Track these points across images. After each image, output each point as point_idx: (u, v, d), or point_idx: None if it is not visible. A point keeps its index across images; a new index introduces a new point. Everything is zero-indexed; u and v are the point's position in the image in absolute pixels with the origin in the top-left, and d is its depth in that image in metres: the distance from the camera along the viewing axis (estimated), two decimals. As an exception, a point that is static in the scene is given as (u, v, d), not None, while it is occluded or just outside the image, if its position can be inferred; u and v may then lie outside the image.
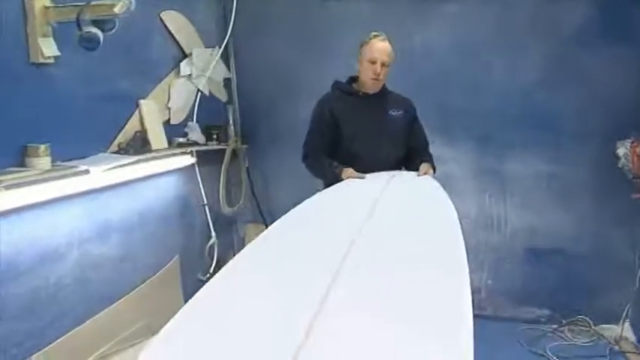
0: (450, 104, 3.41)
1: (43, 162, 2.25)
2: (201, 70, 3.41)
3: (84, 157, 2.52)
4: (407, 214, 1.93)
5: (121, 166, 2.54)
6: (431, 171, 2.60)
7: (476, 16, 3.33)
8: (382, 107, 2.68)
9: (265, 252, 1.49)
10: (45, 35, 2.28)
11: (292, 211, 1.97)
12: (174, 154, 3.09)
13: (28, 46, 2.26)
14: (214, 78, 3.58)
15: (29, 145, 2.23)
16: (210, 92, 3.57)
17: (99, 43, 2.24)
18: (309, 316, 1.02)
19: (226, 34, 3.61)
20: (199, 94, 3.44)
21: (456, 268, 1.38)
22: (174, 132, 3.23)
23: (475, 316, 3.33)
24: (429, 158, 2.76)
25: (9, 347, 2.21)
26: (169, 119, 3.20)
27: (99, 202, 2.65)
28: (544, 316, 3.40)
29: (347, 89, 2.71)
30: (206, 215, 3.54)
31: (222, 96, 3.74)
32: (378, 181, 2.44)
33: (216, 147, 3.46)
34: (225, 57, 3.71)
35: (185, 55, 3.29)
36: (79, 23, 2.18)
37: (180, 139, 3.21)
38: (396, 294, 1.20)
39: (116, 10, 2.15)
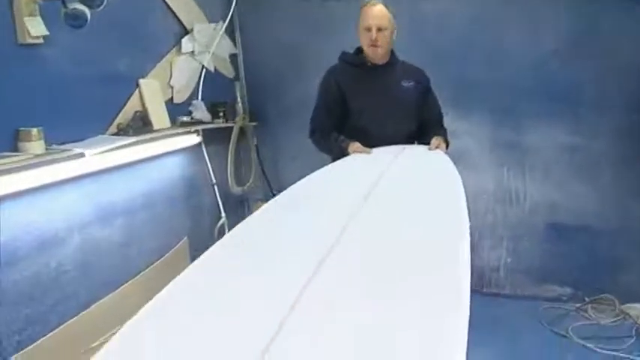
0: (465, 76, 3.24)
1: (36, 146, 2.19)
2: (205, 47, 3.29)
3: (81, 140, 2.45)
4: (410, 191, 1.81)
5: (117, 148, 2.46)
6: (443, 145, 2.47)
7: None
8: (392, 78, 2.54)
9: (254, 232, 1.44)
10: (31, 14, 2.19)
11: (291, 187, 1.92)
12: (177, 134, 3.01)
13: (15, 26, 2.18)
14: (219, 54, 3.47)
15: (21, 129, 2.16)
16: (215, 69, 3.46)
17: (86, 20, 2.15)
18: (294, 293, 1.01)
19: (230, 8, 3.48)
20: (204, 71, 3.33)
21: (454, 257, 1.27)
22: (178, 111, 3.14)
23: (494, 294, 3.23)
24: (442, 132, 2.64)
25: (10, 334, 2.19)
26: (172, 98, 3.10)
27: (99, 185, 2.59)
28: (566, 295, 3.26)
29: (354, 60, 2.57)
30: (215, 195, 3.47)
31: (229, 72, 3.63)
32: (385, 155, 2.33)
33: (222, 125, 3.36)
34: (230, 32, 3.59)
35: (187, 32, 3.17)
36: (63, 0, 2.09)
37: (185, 118, 3.12)
38: (386, 273, 1.16)
39: (99, -15, 2.06)
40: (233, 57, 3.65)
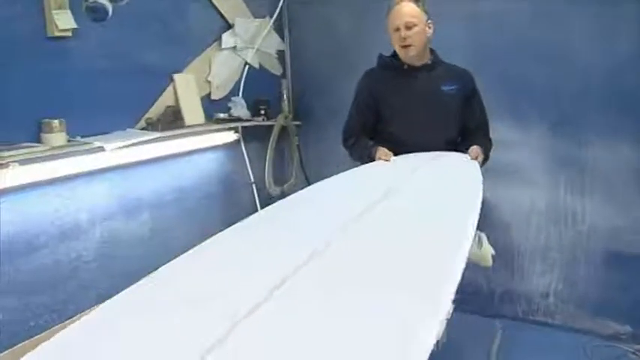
0: (522, 80, 2.93)
1: (58, 137, 2.22)
2: (249, 42, 3.23)
3: (107, 133, 2.47)
4: (416, 206, 1.65)
5: (139, 143, 2.45)
6: (481, 157, 2.26)
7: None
8: (431, 82, 2.35)
9: (235, 239, 1.44)
10: (60, 7, 2.21)
11: (295, 194, 1.86)
12: (211, 131, 2.97)
13: (45, 19, 2.21)
14: (265, 50, 3.39)
15: (43, 120, 2.20)
16: (260, 65, 3.39)
17: (107, 13, 2.16)
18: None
19: (278, 3, 3.40)
20: (247, 67, 3.27)
21: (440, 278, 1.12)
22: (216, 107, 3.09)
23: (542, 323, 2.93)
24: (485, 143, 2.42)
25: (27, 319, 2.24)
26: (210, 94, 3.07)
27: (124, 178, 2.59)
28: (625, 333, 2.86)
29: (389, 63, 2.41)
30: (253, 194, 3.41)
31: (276, 69, 3.55)
32: (410, 163, 2.15)
33: (262, 123, 3.28)
34: (279, 28, 3.51)
35: (229, 27, 3.12)
36: (83, -6, 2.10)
37: (222, 115, 3.07)
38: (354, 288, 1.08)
39: (117, -22, 2.03)
40: (281, 54, 3.56)
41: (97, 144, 2.29)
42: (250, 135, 3.33)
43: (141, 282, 1.14)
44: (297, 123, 3.58)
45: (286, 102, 3.51)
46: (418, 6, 2.27)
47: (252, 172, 3.39)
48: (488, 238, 1.99)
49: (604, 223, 2.85)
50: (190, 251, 1.30)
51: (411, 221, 1.52)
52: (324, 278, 1.13)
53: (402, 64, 2.35)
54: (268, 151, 3.39)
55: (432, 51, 2.40)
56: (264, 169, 3.42)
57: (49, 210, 2.29)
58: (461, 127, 2.43)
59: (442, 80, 2.35)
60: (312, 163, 3.62)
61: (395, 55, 2.39)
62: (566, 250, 2.95)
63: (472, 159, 2.23)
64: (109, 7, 2.13)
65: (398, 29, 2.25)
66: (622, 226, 2.81)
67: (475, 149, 2.27)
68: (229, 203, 3.28)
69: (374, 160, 2.27)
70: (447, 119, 2.38)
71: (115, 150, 2.35)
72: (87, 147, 2.28)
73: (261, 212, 1.70)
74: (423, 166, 2.09)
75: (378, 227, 1.46)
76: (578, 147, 2.86)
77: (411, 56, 2.29)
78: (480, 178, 1.95)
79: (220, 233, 1.45)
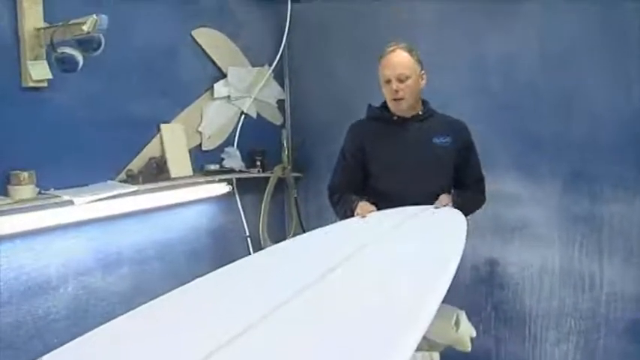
0: (532, 130, 2.74)
1: (26, 190, 2.14)
2: (245, 91, 3.15)
3: (85, 185, 2.39)
4: (382, 268, 1.44)
5: (115, 196, 2.35)
6: (450, 203, 2.08)
7: (567, 16, 2.63)
8: (423, 134, 2.19)
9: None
10: (37, 58, 2.18)
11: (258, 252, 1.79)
12: (199, 183, 2.85)
13: (20, 69, 2.18)
14: (264, 99, 3.31)
15: (12, 172, 2.13)
16: (258, 115, 3.30)
17: (77, 64, 2.08)
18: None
19: (278, 51, 3.34)
20: (243, 117, 3.18)
21: None
22: (207, 158, 3.00)
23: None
24: (478, 197, 2.23)
25: (-15, 382, 2.12)
26: (201, 144, 2.98)
27: (102, 232, 2.49)
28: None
29: (378, 114, 2.27)
30: (248, 248, 3.26)
31: (276, 119, 3.45)
32: (390, 219, 1.96)
33: (255, 175, 3.16)
34: (280, 76, 3.43)
35: (224, 75, 3.06)
36: (52, 45, 2.04)
37: (212, 167, 2.97)
38: None
39: (84, 28, 1.97)
40: (281, 103, 3.47)
41: (66, 197, 2.20)
42: (246, 187, 3.21)
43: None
44: (297, 175, 3.44)
45: (286, 153, 3.39)
46: (412, 55, 2.14)
47: (248, 226, 3.25)
48: (468, 317, 1.74)
49: (626, 289, 2.56)
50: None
51: (378, 278, 1.36)
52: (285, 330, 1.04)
53: (392, 115, 2.21)
54: (263, 204, 3.25)
55: (423, 102, 2.25)
56: (259, 222, 3.27)
57: (13, 265, 2.19)
58: (454, 181, 2.24)
59: (434, 132, 2.19)
60: (311, 218, 3.45)
61: (385, 105, 2.25)
62: (584, 317, 2.65)
63: (442, 206, 2.04)
64: (79, 57, 2.07)
65: (389, 81, 2.11)
66: (645, 292, 2.51)
67: (443, 198, 2.08)
68: (221, 258, 3.08)
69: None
70: (439, 173, 2.20)
71: (89, 203, 2.26)
72: (56, 200, 2.19)
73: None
74: (404, 222, 1.90)
75: (345, 282, 1.33)
76: (593, 202, 2.61)
77: (402, 109, 2.15)
78: (463, 236, 1.73)
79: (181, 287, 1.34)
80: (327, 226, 2.00)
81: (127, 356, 1.01)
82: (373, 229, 1.86)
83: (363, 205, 2.09)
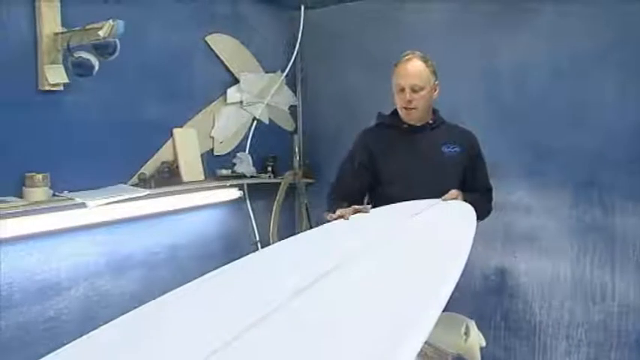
0: (544, 140, 2.73)
1: (40, 192, 2.16)
2: (258, 97, 3.17)
3: (98, 188, 2.41)
4: (385, 277, 1.41)
5: (126, 200, 2.37)
6: (460, 197, 2.03)
7: (579, 27, 2.62)
8: (432, 142, 2.18)
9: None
10: (54, 62, 2.21)
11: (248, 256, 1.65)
12: (210, 188, 2.87)
13: (37, 73, 2.22)
14: (276, 105, 3.33)
15: (27, 174, 2.16)
16: (271, 120, 3.32)
17: (92, 68, 2.11)
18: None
19: (291, 58, 3.35)
20: (255, 122, 3.20)
21: None
22: (219, 163, 3.02)
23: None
24: (486, 207, 2.23)
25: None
26: (213, 149, 3.00)
27: (113, 235, 2.51)
28: None
29: (388, 121, 2.26)
30: (258, 253, 3.26)
31: (288, 125, 3.47)
32: (396, 215, 1.94)
33: (266, 181, 3.17)
34: (292, 83, 3.45)
35: (237, 81, 3.08)
36: (69, 49, 2.07)
37: (224, 172, 2.98)
38: None
39: (101, 33, 2.00)
40: (293, 109, 3.49)
41: (79, 200, 2.22)
42: (257, 192, 3.22)
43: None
44: (308, 181, 3.45)
45: (297, 159, 3.41)
46: (427, 66, 2.12)
47: (258, 231, 3.26)
48: (478, 327, 1.72)
49: (637, 300, 2.53)
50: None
51: (382, 277, 1.32)
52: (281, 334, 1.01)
53: (402, 124, 2.20)
54: (273, 210, 3.26)
55: (434, 110, 2.24)
56: (269, 228, 3.28)
57: (26, 266, 2.22)
58: (463, 189, 2.23)
59: (444, 141, 2.18)
60: (321, 223, 3.42)
61: (395, 112, 2.25)
62: (595, 329, 2.63)
63: (450, 198, 2.01)
64: (95, 62, 2.10)
65: (403, 90, 2.10)
66: (658, 305, 2.48)
67: (453, 191, 2.03)
68: (230, 262, 3.14)
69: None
70: (447, 182, 2.17)
71: (101, 206, 2.28)
72: (69, 202, 2.21)
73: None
74: (413, 217, 1.87)
75: (347, 281, 1.30)
76: (604, 213, 2.59)
77: (412, 119, 2.15)
78: (470, 236, 1.71)
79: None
80: (330, 223, 1.98)
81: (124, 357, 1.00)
82: (380, 225, 1.84)
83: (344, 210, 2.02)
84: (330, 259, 1.42)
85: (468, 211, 1.87)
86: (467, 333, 1.47)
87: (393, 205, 2.04)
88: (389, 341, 0.99)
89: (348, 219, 1.95)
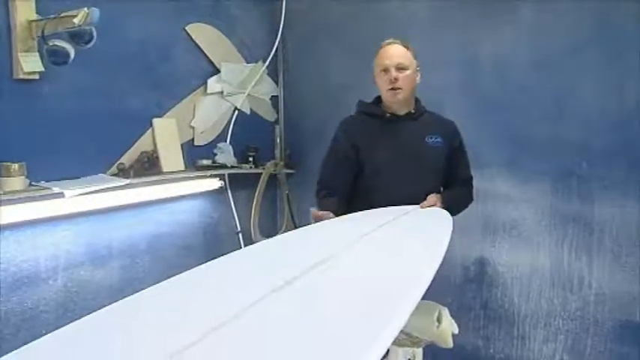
0: (524, 132, 2.74)
1: (17, 182, 2.14)
2: (239, 87, 3.15)
3: (77, 178, 2.39)
4: (365, 272, 1.42)
5: (105, 189, 2.35)
6: (439, 203, 2.06)
7: (560, 18, 2.63)
8: (415, 132, 2.18)
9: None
10: (28, 50, 2.18)
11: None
12: (190, 178, 2.85)
13: (12, 61, 2.18)
14: (258, 95, 3.31)
15: (2, 163, 2.13)
16: (252, 111, 3.30)
17: (67, 56, 2.08)
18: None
19: (272, 48, 3.34)
20: (236, 112, 3.19)
21: None
22: (200, 153, 3.00)
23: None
24: (466, 196, 2.26)
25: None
26: (193, 139, 2.98)
27: (92, 225, 2.49)
28: (639, 415, 2.54)
29: (370, 110, 2.25)
30: (240, 244, 3.26)
31: (269, 115, 3.45)
32: (375, 218, 1.93)
33: (247, 171, 3.16)
34: (274, 73, 3.44)
35: (218, 71, 3.06)
36: (44, 37, 2.04)
37: (204, 162, 2.97)
38: None
39: (75, 21, 1.97)
40: (275, 99, 3.47)
41: (57, 190, 2.19)
42: (238, 182, 3.21)
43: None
44: (289, 171, 3.44)
45: (279, 149, 3.40)
46: (409, 50, 2.15)
47: (239, 221, 3.25)
48: (456, 315, 1.73)
49: (614, 290, 2.56)
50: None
51: (362, 272, 1.35)
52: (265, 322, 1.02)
53: (385, 113, 2.20)
54: (255, 200, 3.25)
55: (416, 100, 2.25)
56: (250, 218, 3.27)
57: (4, 256, 2.19)
58: (444, 180, 2.25)
59: (426, 131, 2.19)
60: (303, 214, 3.44)
61: (376, 102, 2.25)
62: (572, 317, 2.66)
63: (427, 206, 2.04)
64: (71, 50, 2.07)
65: (387, 70, 2.10)
66: (636, 295, 2.51)
67: (431, 198, 2.07)
68: (212, 253, 3.09)
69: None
70: (431, 172, 2.19)
71: (79, 196, 2.26)
72: (46, 192, 2.19)
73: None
74: (393, 220, 1.88)
75: (330, 277, 1.31)
76: (583, 203, 2.61)
77: (399, 100, 2.13)
78: (447, 235, 1.72)
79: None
80: (316, 224, 1.98)
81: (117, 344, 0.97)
82: (358, 227, 1.85)
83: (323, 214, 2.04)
84: (303, 262, 1.42)
85: (444, 217, 1.89)
86: (439, 320, 1.49)
87: (369, 211, 2.03)
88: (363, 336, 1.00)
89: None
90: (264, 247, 1.72)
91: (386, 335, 0.99)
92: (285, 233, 1.79)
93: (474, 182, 2.33)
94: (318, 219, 2.00)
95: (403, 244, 1.63)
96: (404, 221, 1.88)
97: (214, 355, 0.93)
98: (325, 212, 2.03)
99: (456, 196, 2.17)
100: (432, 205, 2.04)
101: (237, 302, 1.11)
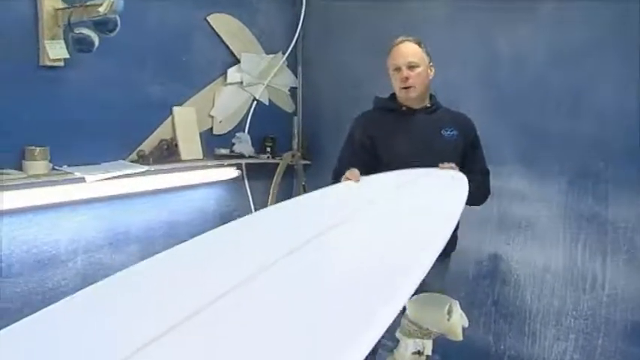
0: (541, 128, 2.72)
1: (40, 165, 2.20)
2: (259, 78, 3.18)
3: (97, 163, 2.45)
4: (380, 233, 1.44)
5: (124, 176, 2.40)
6: (455, 167, 2.05)
7: (578, 14, 2.60)
8: (431, 126, 2.19)
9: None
10: (54, 37, 2.23)
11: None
12: (209, 166, 2.90)
13: (38, 48, 2.24)
14: (277, 86, 3.34)
15: (26, 147, 2.19)
16: (271, 102, 3.33)
17: (92, 44, 2.13)
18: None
19: (292, 39, 3.36)
20: (255, 103, 3.22)
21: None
22: (218, 142, 3.04)
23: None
24: (484, 192, 2.26)
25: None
26: (212, 128, 3.02)
27: (112, 210, 2.55)
28: (649, 416, 2.53)
29: (386, 104, 2.27)
30: (256, 232, 3.30)
31: (288, 106, 3.48)
32: (394, 179, 1.97)
33: (265, 161, 3.20)
34: (293, 64, 3.46)
35: (238, 61, 3.09)
36: (70, 25, 2.09)
37: (223, 151, 3.01)
38: None
39: (101, 9, 2.01)
40: (293, 90, 3.50)
41: (78, 174, 2.25)
42: (255, 172, 3.25)
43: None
44: (306, 162, 3.47)
45: (296, 140, 3.43)
46: (421, 47, 2.16)
47: (255, 210, 3.29)
48: (468, 310, 1.75)
49: (628, 291, 2.55)
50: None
51: (377, 233, 1.40)
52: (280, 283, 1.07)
53: (400, 106, 2.21)
54: (271, 190, 3.29)
55: (431, 96, 2.26)
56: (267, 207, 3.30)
57: (25, 238, 2.26)
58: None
59: (442, 125, 2.19)
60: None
61: (392, 97, 2.27)
62: (584, 317, 2.66)
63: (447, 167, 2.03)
64: (95, 38, 2.12)
65: (399, 69, 2.12)
66: (647, 294, 2.51)
67: (447, 163, 2.05)
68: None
69: None
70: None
71: (99, 181, 2.31)
72: (68, 177, 2.25)
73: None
74: (409, 181, 1.91)
75: (346, 237, 1.37)
76: (598, 202, 2.60)
77: (412, 98, 2.15)
78: (464, 195, 1.72)
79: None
80: (332, 186, 2.02)
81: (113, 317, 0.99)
82: (378, 188, 1.88)
83: (353, 170, 2.07)
84: (319, 224, 1.45)
85: (460, 178, 1.90)
86: (450, 312, 1.50)
87: (387, 172, 2.05)
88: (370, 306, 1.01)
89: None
90: (289, 206, 1.78)
91: (404, 289, 1.00)
92: (309, 193, 1.86)
93: (490, 178, 2.33)
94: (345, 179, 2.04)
95: (421, 204, 1.68)
96: (424, 181, 1.92)
97: (227, 318, 0.96)
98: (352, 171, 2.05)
99: (473, 180, 2.18)
100: (450, 167, 2.03)
101: (252, 263, 1.15)
